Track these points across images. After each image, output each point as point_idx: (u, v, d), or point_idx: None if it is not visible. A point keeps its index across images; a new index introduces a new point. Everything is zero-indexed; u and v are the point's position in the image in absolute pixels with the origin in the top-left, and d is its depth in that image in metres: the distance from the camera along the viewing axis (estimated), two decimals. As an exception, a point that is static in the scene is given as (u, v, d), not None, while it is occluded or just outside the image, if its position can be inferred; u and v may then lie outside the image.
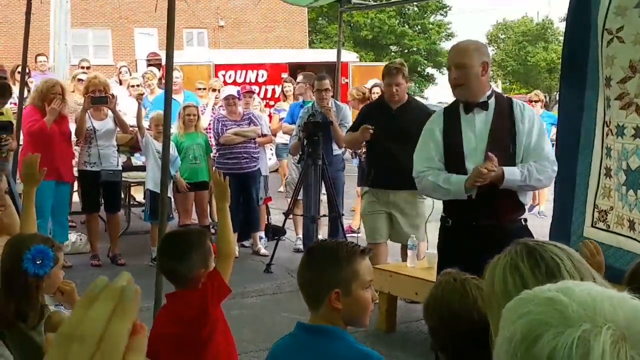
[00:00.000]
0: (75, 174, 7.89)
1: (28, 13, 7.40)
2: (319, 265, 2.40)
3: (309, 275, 2.43)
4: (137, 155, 8.73)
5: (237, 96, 8.10)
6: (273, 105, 13.28)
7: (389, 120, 6.07)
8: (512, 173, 3.85)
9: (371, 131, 6.17)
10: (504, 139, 3.95)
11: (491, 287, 1.78)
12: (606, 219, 4.96)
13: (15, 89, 7.99)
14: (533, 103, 10.44)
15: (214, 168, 7.97)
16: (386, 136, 6.04)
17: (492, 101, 4.02)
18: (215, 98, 9.22)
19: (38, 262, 2.74)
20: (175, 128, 7.84)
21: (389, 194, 6.10)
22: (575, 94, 5.35)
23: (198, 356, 2.97)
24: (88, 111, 7.43)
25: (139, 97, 8.32)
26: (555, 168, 4.04)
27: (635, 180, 4.58)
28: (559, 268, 1.69)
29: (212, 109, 9.13)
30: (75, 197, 8.59)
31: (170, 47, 5.09)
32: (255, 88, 16.20)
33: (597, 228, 5.02)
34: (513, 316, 1.12)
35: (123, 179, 8.11)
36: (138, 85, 10.12)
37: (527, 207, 4.20)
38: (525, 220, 4.11)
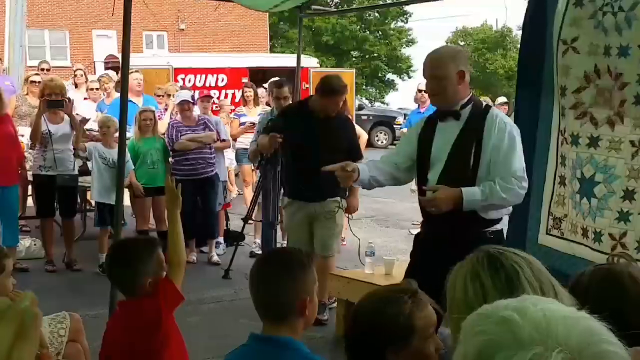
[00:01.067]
0: (30, 178, 7.78)
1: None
2: (291, 275, 2.39)
3: (279, 287, 2.38)
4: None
5: (192, 101, 8.06)
6: (233, 110, 13.26)
7: (314, 129, 5.79)
8: (471, 194, 3.65)
9: (279, 140, 6.04)
10: (467, 152, 3.78)
11: (452, 295, 1.79)
12: (560, 226, 5.02)
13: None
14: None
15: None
16: (309, 145, 5.78)
17: (466, 110, 3.84)
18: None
19: None
20: (132, 132, 7.78)
21: (310, 206, 5.94)
22: (531, 103, 5.41)
23: None
24: (44, 115, 7.32)
25: (83, 121, 8.27)
26: (525, 184, 3.80)
27: (589, 189, 4.65)
28: (519, 276, 1.70)
29: (171, 114, 9.06)
30: (30, 202, 8.46)
31: (126, 52, 5.01)
32: (215, 92, 16.19)
33: (552, 235, 5.08)
34: (469, 333, 1.11)
35: (79, 183, 7.98)
36: (97, 89, 10.00)
37: (498, 220, 3.91)
38: (495, 232, 3.88)
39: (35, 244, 7.94)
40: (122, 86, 5.16)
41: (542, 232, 5.21)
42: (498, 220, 3.89)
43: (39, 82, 9.17)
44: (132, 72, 8.22)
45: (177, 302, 3.09)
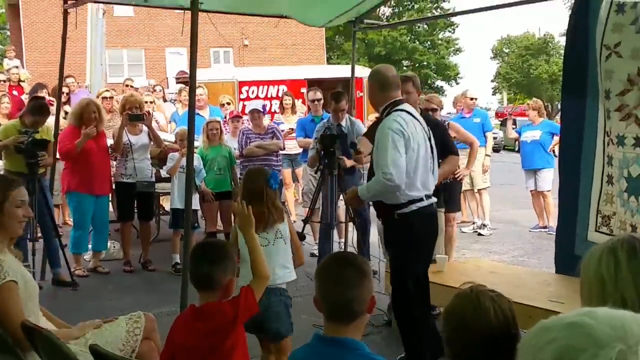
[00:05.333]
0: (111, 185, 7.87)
1: (64, 37, 7.36)
2: (367, 277, 2.36)
3: (357, 290, 2.32)
4: (165, 167, 8.68)
5: (261, 111, 7.99)
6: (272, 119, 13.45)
7: None
8: (361, 190, 4.47)
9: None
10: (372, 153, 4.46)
11: (586, 269, 1.80)
12: (609, 223, 4.85)
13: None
14: (528, 112, 10.17)
15: (238, 175, 7.92)
16: None
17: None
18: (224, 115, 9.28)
19: (273, 181, 4.01)
20: (200, 142, 7.80)
21: None
22: (576, 106, 5.25)
23: None
24: (125, 127, 7.39)
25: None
26: (389, 175, 4.11)
27: (636, 187, 4.48)
28: None
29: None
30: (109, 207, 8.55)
31: (193, 67, 5.03)
32: (276, 102, 16.24)
33: (601, 232, 4.91)
34: (537, 345, 1.03)
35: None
36: (152, 102, 9.97)
37: (403, 204, 4.28)
38: (402, 214, 4.28)
39: (114, 247, 8.02)
40: (190, 99, 5.16)
41: (591, 229, 5.04)
42: (404, 205, 4.28)
43: (111, 97, 9.27)
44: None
45: (253, 312, 3.00)
